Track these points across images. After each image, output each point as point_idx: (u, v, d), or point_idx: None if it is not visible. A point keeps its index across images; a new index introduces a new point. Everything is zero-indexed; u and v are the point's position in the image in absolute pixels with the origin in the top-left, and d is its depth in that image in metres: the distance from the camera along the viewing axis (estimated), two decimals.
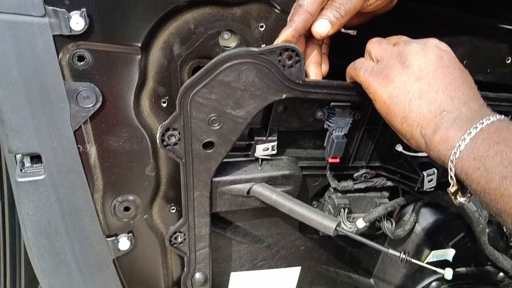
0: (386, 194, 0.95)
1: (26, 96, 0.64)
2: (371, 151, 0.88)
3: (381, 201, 0.93)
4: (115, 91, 0.68)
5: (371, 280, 1.13)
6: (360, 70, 0.69)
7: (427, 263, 1.02)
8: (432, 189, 0.90)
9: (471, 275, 1.10)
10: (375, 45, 0.71)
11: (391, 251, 0.79)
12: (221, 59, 0.65)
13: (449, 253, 1.04)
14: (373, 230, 1.00)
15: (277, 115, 0.79)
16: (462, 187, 0.65)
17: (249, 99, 0.70)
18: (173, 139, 0.71)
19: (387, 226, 0.96)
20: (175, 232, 0.82)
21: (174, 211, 0.81)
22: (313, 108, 0.80)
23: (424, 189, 0.88)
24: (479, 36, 0.82)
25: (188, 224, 0.81)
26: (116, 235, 0.79)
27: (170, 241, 0.82)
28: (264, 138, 0.80)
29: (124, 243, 0.79)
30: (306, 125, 0.82)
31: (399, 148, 0.87)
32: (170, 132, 0.71)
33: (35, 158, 0.70)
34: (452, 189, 0.66)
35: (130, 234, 0.80)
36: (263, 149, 0.81)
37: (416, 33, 0.70)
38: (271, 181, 0.82)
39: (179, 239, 0.83)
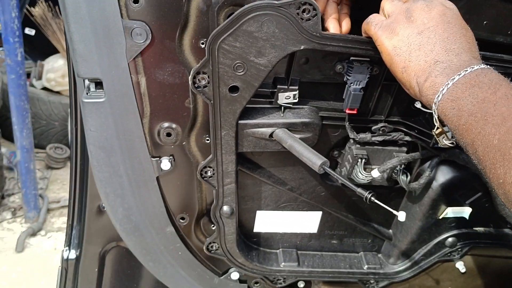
0: (405, 149, 0.99)
1: (92, 29, 0.79)
2: (389, 106, 0.94)
3: (399, 155, 0.98)
4: (162, 31, 0.81)
5: (390, 230, 1.18)
6: (371, 24, 0.77)
7: (442, 218, 1.06)
8: (448, 146, 0.94)
9: (489, 235, 1.12)
10: (387, 2, 0.78)
11: (359, 190, 0.83)
12: (245, 10, 0.75)
13: (466, 211, 1.07)
14: (391, 183, 1.05)
15: (299, 66, 0.87)
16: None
17: (270, 49, 0.79)
18: (203, 82, 0.82)
19: (403, 179, 1.02)
20: (205, 167, 0.93)
21: (208, 141, 0.94)
22: (333, 62, 0.87)
23: (440, 145, 0.92)
24: None
25: (216, 160, 0.92)
26: (159, 156, 0.93)
27: (201, 174, 0.94)
28: (286, 87, 0.88)
29: (166, 164, 0.93)
30: (326, 77, 0.89)
31: (418, 105, 0.90)
32: (200, 76, 0.81)
33: (98, 85, 0.86)
34: (436, 131, 0.72)
35: (171, 157, 0.94)
36: (285, 97, 0.89)
37: None
38: (292, 127, 0.90)
39: (209, 173, 0.95)
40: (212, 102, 0.84)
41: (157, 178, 0.95)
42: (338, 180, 0.86)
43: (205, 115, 0.91)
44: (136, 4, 0.78)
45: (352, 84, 0.87)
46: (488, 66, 0.65)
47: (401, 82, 0.75)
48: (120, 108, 0.86)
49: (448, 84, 0.64)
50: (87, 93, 0.86)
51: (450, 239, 1.11)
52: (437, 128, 0.72)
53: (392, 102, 0.93)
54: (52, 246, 2.67)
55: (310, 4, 0.74)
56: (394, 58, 0.72)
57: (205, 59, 0.80)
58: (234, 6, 0.82)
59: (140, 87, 0.86)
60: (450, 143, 0.74)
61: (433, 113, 0.68)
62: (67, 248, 1.17)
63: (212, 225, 1.04)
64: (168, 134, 0.91)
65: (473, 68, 0.64)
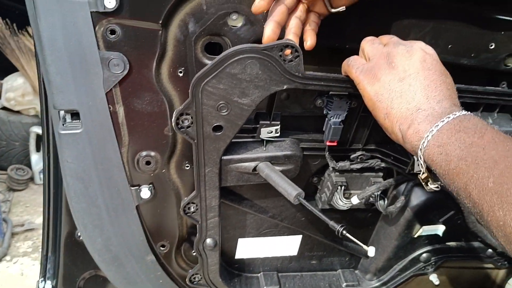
0: (381, 174, 1.03)
1: (68, 61, 0.78)
2: (367, 135, 0.97)
3: (376, 180, 1.02)
4: (140, 61, 0.81)
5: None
6: (353, 67, 0.78)
7: (416, 236, 1.11)
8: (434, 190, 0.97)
9: (461, 249, 1.17)
10: (368, 44, 0.80)
11: (332, 223, 0.87)
12: (229, 54, 0.76)
13: (439, 229, 1.11)
14: (368, 206, 1.08)
15: (281, 101, 0.89)
16: (433, 175, 0.72)
17: (253, 89, 0.80)
18: (187, 123, 0.82)
19: (380, 203, 1.05)
20: (188, 203, 0.93)
21: (188, 167, 0.94)
22: (313, 97, 0.90)
23: (415, 171, 0.96)
24: (465, 23, 0.90)
25: (200, 196, 0.92)
26: (139, 185, 0.93)
27: (184, 210, 0.94)
28: (269, 122, 0.90)
29: (145, 192, 0.92)
30: (307, 111, 0.91)
31: None
32: (184, 117, 0.82)
33: (75, 115, 0.85)
34: (422, 176, 0.74)
35: (151, 185, 0.93)
36: (267, 132, 0.91)
37: (403, 19, 0.79)
38: (275, 160, 0.92)
39: (192, 209, 0.95)
40: (195, 141, 0.84)
41: (137, 207, 0.94)
42: (313, 211, 0.88)
43: (184, 142, 0.91)
44: (113, 36, 0.78)
45: (332, 118, 0.89)
46: (469, 112, 0.67)
47: (384, 128, 0.76)
48: (98, 138, 0.85)
49: (433, 130, 0.66)
50: (63, 124, 0.85)
51: (424, 255, 1.15)
52: (423, 173, 0.73)
53: (369, 132, 0.96)
54: (18, 272, 2.57)
55: (293, 47, 0.76)
56: (376, 104, 0.74)
57: (188, 101, 0.80)
58: (211, 36, 0.83)
59: (118, 117, 0.85)
60: (435, 187, 0.75)
61: (419, 158, 0.69)
62: (42, 279, 1.14)
63: (193, 251, 1.04)
64: (148, 163, 0.90)
65: (455, 114, 0.66)
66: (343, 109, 0.88)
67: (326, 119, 0.91)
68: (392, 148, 0.98)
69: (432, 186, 0.75)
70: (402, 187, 1.06)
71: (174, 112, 0.83)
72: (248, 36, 0.83)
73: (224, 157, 0.89)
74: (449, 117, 0.66)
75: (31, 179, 3.38)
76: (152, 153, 0.90)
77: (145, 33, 0.79)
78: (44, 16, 0.75)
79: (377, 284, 1.20)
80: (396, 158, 0.97)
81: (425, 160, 0.68)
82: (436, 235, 1.12)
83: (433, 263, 1.17)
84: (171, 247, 1.02)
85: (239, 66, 0.77)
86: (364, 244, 0.81)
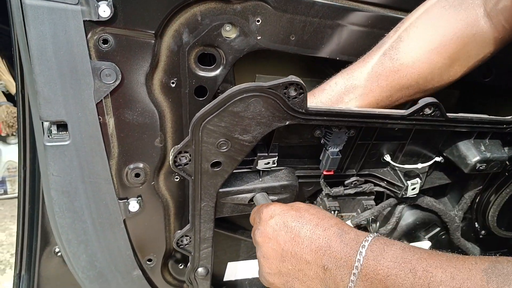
0: (373, 197, 1.04)
1: (58, 71, 0.75)
2: (362, 161, 0.97)
3: (368, 203, 1.03)
4: (132, 71, 0.80)
5: None
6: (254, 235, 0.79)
7: None
8: (415, 195, 1.01)
9: None
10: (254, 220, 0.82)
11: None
12: (233, 93, 0.74)
13: (425, 245, 1.15)
14: (359, 228, 1.08)
15: (279, 133, 0.87)
16: None
17: (255, 126, 0.78)
18: (184, 160, 0.81)
19: (372, 226, 1.07)
20: (182, 236, 0.91)
21: (177, 179, 0.93)
22: (312, 128, 0.87)
23: (407, 195, 0.99)
24: None
25: (194, 229, 0.90)
26: (127, 198, 0.90)
27: (177, 243, 0.92)
28: (266, 154, 0.89)
29: (134, 205, 0.90)
30: (304, 140, 0.90)
31: (387, 158, 0.97)
32: (182, 155, 0.80)
33: (61, 127, 0.82)
34: None
35: (139, 198, 0.91)
36: (264, 163, 0.90)
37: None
38: (271, 191, 0.91)
39: (185, 241, 0.92)
40: (192, 178, 0.83)
41: (124, 221, 0.91)
42: None
43: None
44: (106, 45, 0.76)
45: (330, 148, 0.89)
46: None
47: None
48: (86, 150, 0.82)
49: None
50: (48, 136, 0.81)
51: None
52: None
53: (364, 158, 0.97)
54: None
55: (298, 84, 0.75)
56: None
57: (187, 140, 0.78)
58: (205, 47, 0.83)
59: (108, 128, 0.83)
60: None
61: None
62: None
63: (180, 265, 1.02)
64: (137, 175, 0.88)
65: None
66: (342, 140, 0.88)
67: (324, 148, 0.90)
68: (385, 172, 0.99)
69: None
70: (393, 209, 1.08)
71: (172, 150, 0.81)
72: (242, 47, 0.84)
73: (220, 190, 0.87)
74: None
75: None
76: (142, 165, 0.88)
77: (139, 43, 0.78)
78: (33, 25, 0.72)
79: None
80: (389, 183, 0.98)
81: None
82: None
83: None
84: (158, 261, 0.99)
85: (242, 104, 0.75)
86: None
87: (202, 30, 0.81)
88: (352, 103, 0.87)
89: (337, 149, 0.89)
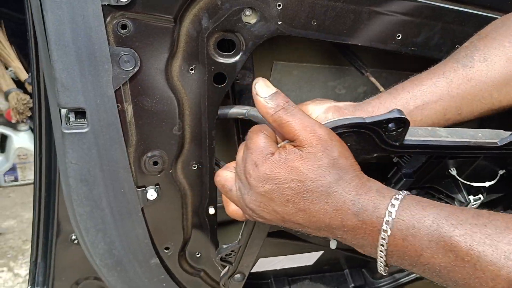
0: None
1: (76, 57, 0.74)
2: (427, 176, 0.89)
3: None
4: (151, 57, 0.78)
5: None
6: None
7: None
8: None
9: None
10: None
11: None
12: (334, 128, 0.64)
13: None
14: None
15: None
16: None
17: None
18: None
19: None
20: (227, 254, 0.88)
21: (195, 168, 0.91)
22: None
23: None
24: (472, 25, 0.92)
25: (243, 246, 0.86)
26: (145, 186, 0.89)
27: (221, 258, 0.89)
28: None
29: (151, 193, 0.89)
30: (373, 158, 0.78)
31: (453, 172, 0.87)
32: None
33: (79, 114, 0.81)
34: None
35: (157, 186, 0.90)
36: None
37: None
38: None
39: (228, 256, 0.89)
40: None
41: (142, 209, 0.90)
42: None
43: (192, 141, 0.88)
44: (124, 31, 0.75)
45: (404, 169, 0.81)
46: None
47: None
48: (105, 138, 0.81)
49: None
50: (66, 123, 0.80)
51: None
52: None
53: (431, 173, 0.89)
54: None
55: (401, 120, 0.66)
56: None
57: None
58: (224, 32, 0.81)
59: (126, 116, 0.82)
60: None
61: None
62: (31, 287, 1.08)
63: (197, 253, 1.01)
64: (155, 163, 0.87)
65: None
66: (419, 161, 0.80)
67: (396, 168, 0.82)
68: (447, 185, 0.92)
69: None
70: None
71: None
72: (262, 33, 0.82)
73: None
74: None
75: None
76: (160, 153, 0.87)
77: (158, 28, 0.76)
78: (51, 9, 0.71)
79: (384, 283, 1.22)
80: (449, 197, 0.91)
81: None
82: None
83: None
84: (176, 249, 0.99)
85: None
86: None
87: (222, 15, 0.79)
88: (418, 113, 0.80)
89: (412, 171, 0.81)
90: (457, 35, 0.93)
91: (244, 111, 0.88)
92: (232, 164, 0.71)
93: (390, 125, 0.66)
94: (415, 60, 1.09)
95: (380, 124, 0.66)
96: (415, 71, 1.15)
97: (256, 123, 0.75)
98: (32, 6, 0.74)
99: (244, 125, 1.01)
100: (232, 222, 1.11)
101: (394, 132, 0.67)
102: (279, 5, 0.81)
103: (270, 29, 0.82)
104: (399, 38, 0.90)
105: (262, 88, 0.64)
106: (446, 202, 0.89)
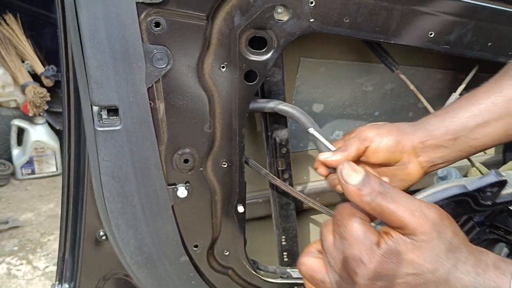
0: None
1: (111, 54, 0.74)
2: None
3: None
4: (183, 55, 0.78)
5: None
6: None
7: None
8: None
9: None
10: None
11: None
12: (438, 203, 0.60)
13: None
14: None
15: None
16: None
17: None
18: None
19: None
20: None
21: (225, 166, 0.91)
22: None
23: None
24: (505, 23, 0.90)
25: None
26: (175, 184, 0.89)
27: None
28: None
29: (182, 191, 0.89)
30: None
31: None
32: None
33: (111, 111, 0.81)
34: None
35: (188, 184, 0.90)
36: None
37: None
38: None
39: None
40: None
41: (172, 207, 0.90)
42: None
43: (222, 139, 0.88)
44: (158, 28, 0.75)
45: (476, 218, 0.81)
46: None
47: None
48: (137, 135, 0.81)
49: None
50: (99, 121, 0.80)
51: None
52: None
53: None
54: (6, 271, 2.48)
55: (501, 183, 0.64)
56: None
57: None
58: (256, 30, 0.80)
59: (158, 113, 0.81)
60: None
61: None
62: (58, 282, 1.09)
63: (225, 251, 1.01)
64: (186, 160, 0.87)
65: None
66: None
67: (467, 217, 0.81)
68: (502, 219, 0.88)
69: None
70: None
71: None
72: (294, 30, 0.81)
73: None
74: None
75: (12, 174, 3.26)
76: (191, 151, 0.87)
77: (190, 26, 0.76)
78: (85, 6, 0.71)
79: None
80: (507, 232, 0.87)
81: None
82: None
83: None
84: (204, 248, 0.99)
85: None
86: None
87: (254, 12, 0.78)
88: (480, 131, 0.79)
89: (483, 218, 0.80)
90: (490, 33, 0.92)
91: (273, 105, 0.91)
92: (314, 247, 0.61)
93: (487, 188, 0.64)
94: (442, 57, 1.08)
95: (483, 190, 0.63)
96: (442, 68, 1.13)
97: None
98: (66, 3, 0.74)
99: (272, 123, 1.01)
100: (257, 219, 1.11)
101: (489, 193, 0.65)
102: (312, 2, 0.80)
103: (302, 26, 0.81)
104: (432, 35, 0.89)
105: (350, 175, 0.55)
106: (504, 238, 0.87)
